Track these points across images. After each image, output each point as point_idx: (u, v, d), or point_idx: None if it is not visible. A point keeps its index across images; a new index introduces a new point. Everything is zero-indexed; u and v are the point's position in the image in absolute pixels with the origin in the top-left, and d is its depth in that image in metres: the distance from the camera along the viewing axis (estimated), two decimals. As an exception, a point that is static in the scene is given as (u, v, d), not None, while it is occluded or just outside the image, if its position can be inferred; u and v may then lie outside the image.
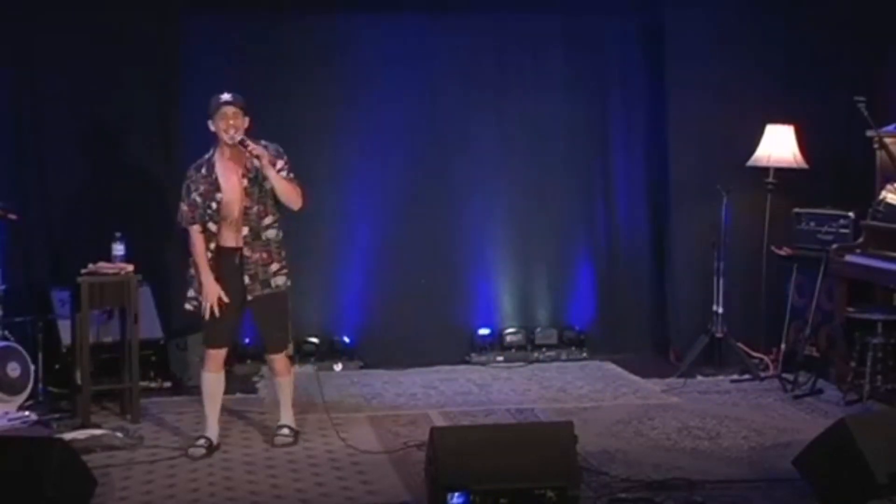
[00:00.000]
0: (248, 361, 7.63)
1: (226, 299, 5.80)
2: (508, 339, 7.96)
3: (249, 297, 5.86)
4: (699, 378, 7.44)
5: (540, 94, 7.99)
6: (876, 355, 6.57)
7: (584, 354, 7.98)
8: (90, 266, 6.44)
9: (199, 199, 5.80)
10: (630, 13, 8.02)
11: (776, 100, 7.75)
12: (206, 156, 5.88)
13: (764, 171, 7.57)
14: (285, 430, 6.05)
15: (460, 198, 7.95)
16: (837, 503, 4.93)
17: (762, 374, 7.42)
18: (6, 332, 6.57)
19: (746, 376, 7.41)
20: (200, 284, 5.84)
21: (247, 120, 5.79)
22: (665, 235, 8.11)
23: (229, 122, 5.74)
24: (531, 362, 7.87)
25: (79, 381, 6.37)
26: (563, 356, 7.93)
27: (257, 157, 5.72)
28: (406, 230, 7.85)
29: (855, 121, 6.89)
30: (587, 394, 7.08)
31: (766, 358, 7.62)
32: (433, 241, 7.92)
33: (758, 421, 6.43)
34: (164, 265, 7.38)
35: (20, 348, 6.54)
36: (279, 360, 6.02)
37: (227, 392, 7.01)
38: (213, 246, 5.84)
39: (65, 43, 7.21)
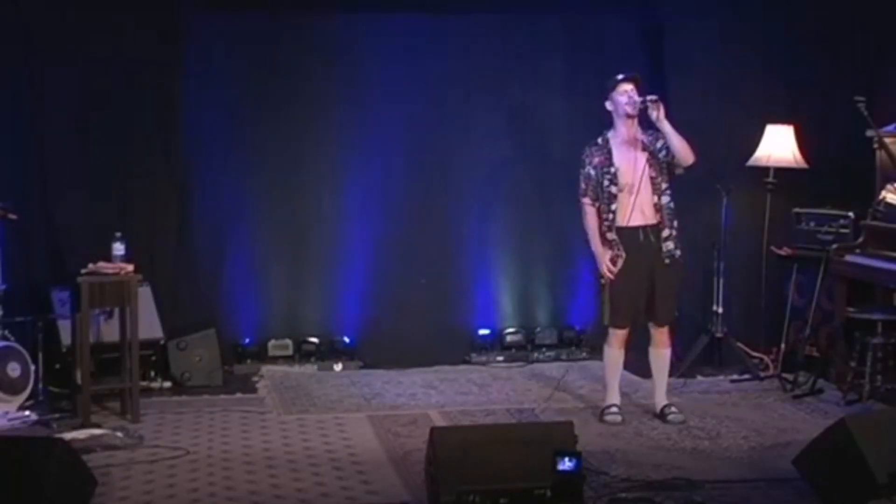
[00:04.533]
0: (248, 361, 7.64)
1: (613, 270, 6.26)
2: (508, 339, 7.96)
3: (658, 267, 6.29)
4: (699, 378, 7.44)
5: (540, 94, 8.00)
6: (876, 355, 6.56)
7: (584, 354, 7.97)
8: (90, 266, 6.44)
9: (593, 172, 6.32)
10: (630, 13, 8.02)
11: (776, 100, 7.75)
12: (599, 138, 6.39)
13: (764, 171, 7.56)
14: (674, 409, 6.47)
15: (460, 197, 7.95)
16: (837, 503, 4.93)
17: (762, 374, 7.42)
18: (6, 332, 6.57)
19: (746, 376, 7.41)
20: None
21: None
22: (665, 235, 8.11)
23: (630, 95, 6.27)
24: (531, 362, 7.87)
25: (79, 381, 6.37)
26: (563, 356, 7.93)
27: (655, 103, 6.17)
28: (406, 230, 7.85)
29: (855, 121, 6.88)
30: (587, 394, 7.08)
31: (766, 358, 7.62)
32: (433, 241, 7.92)
33: (758, 421, 6.44)
34: (164, 265, 7.40)
35: (20, 348, 6.54)
36: (664, 331, 6.45)
37: (226, 392, 7.09)
38: (612, 230, 6.29)
39: (65, 43, 7.20)
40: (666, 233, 6.31)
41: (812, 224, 7.45)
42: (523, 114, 7.99)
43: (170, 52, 7.38)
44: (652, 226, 6.30)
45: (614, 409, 6.47)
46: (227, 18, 7.51)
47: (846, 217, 7.28)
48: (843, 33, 7.80)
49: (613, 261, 6.30)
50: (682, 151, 6.22)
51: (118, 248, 6.52)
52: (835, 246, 7.05)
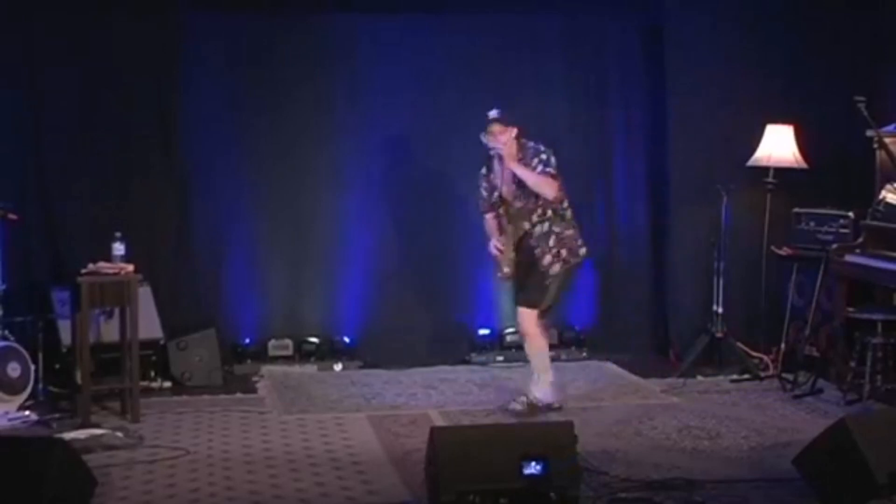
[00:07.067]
0: (248, 361, 7.65)
1: (499, 248, 6.59)
2: (508, 339, 7.95)
3: (528, 262, 6.50)
4: (699, 378, 7.43)
5: (540, 95, 7.99)
6: (876, 355, 6.57)
7: (584, 354, 7.98)
8: (90, 266, 6.44)
9: (485, 194, 6.66)
10: (630, 14, 8.02)
11: (776, 100, 7.75)
12: (486, 168, 6.63)
13: (764, 171, 7.57)
14: (522, 399, 6.49)
15: (460, 197, 7.92)
16: (837, 503, 4.93)
17: (762, 374, 7.42)
18: (6, 332, 6.57)
19: (746, 376, 7.41)
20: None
21: (513, 131, 6.49)
22: (665, 235, 8.11)
23: (490, 137, 6.48)
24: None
25: (79, 381, 6.37)
26: (563, 356, 7.92)
27: (501, 157, 6.49)
28: (406, 230, 7.86)
29: (855, 121, 6.88)
30: (587, 394, 7.08)
31: (766, 358, 7.62)
32: (433, 240, 7.93)
33: (758, 421, 6.44)
34: (164, 265, 7.40)
35: (20, 348, 6.54)
36: (524, 315, 6.52)
37: (226, 392, 7.10)
38: (511, 228, 6.56)
39: (65, 42, 7.21)
40: (547, 259, 6.48)
41: (812, 224, 7.45)
42: (523, 114, 7.94)
43: (169, 52, 7.39)
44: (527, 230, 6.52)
45: (522, 398, 6.53)
46: (226, 18, 7.52)
47: (846, 217, 7.28)
48: (842, 33, 7.81)
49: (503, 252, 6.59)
50: (537, 189, 6.44)
51: (118, 248, 6.52)
52: (835, 246, 7.04)
